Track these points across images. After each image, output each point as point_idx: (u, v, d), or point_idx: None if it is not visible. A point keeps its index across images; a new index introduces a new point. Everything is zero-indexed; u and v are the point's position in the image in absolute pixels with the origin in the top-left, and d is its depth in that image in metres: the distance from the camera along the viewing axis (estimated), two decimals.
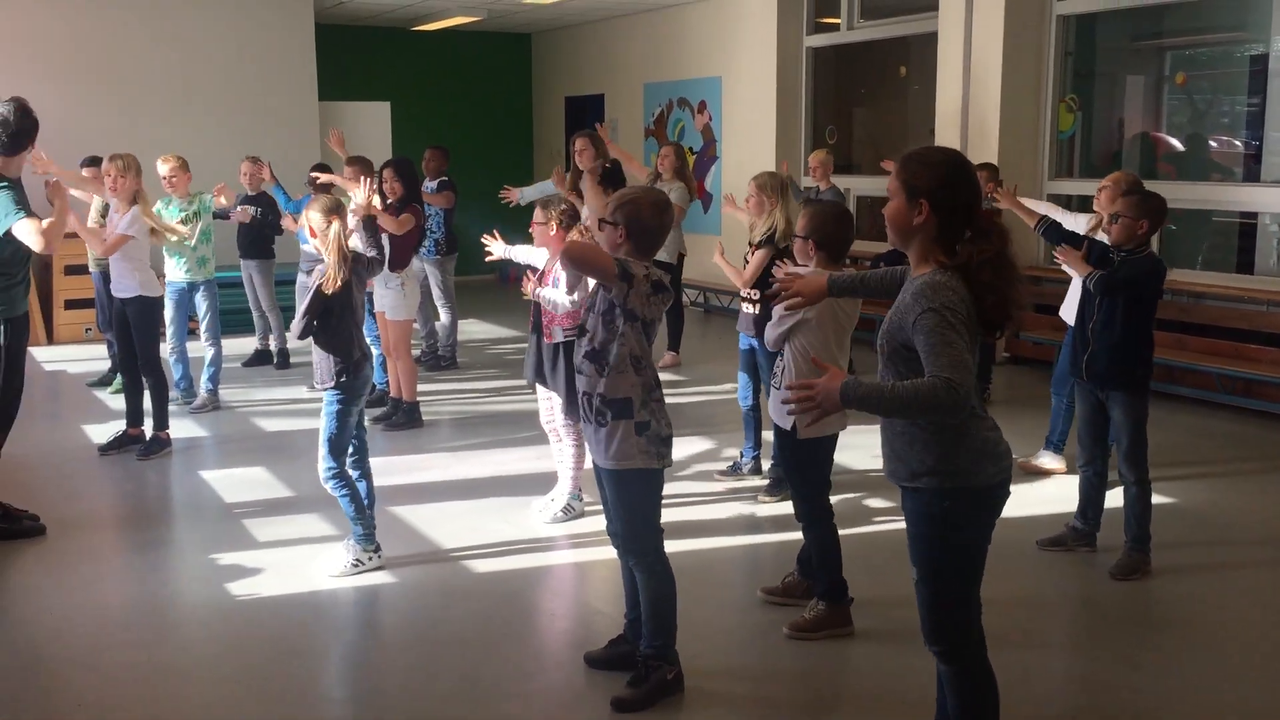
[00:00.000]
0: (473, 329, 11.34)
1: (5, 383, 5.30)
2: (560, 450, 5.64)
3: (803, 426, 2.81)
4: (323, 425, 4.75)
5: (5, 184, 5.16)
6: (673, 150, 8.99)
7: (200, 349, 7.91)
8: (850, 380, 2.74)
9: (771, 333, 4.36)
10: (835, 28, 11.63)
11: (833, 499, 4.39)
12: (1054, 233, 5.36)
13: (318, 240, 4.77)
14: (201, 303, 7.76)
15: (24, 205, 5.16)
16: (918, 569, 2.93)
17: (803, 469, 4.34)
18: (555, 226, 5.31)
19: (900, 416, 2.80)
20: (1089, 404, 4.98)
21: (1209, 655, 4.21)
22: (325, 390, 4.74)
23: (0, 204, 5.09)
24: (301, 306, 4.73)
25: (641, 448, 3.64)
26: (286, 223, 8.74)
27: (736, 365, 6.19)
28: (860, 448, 6.29)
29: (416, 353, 8.54)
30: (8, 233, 5.12)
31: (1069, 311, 5.82)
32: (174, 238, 7.23)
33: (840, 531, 4.38)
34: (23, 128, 5.22)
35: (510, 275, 15.00)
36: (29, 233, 5.10)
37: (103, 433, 7.05)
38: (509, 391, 8.50)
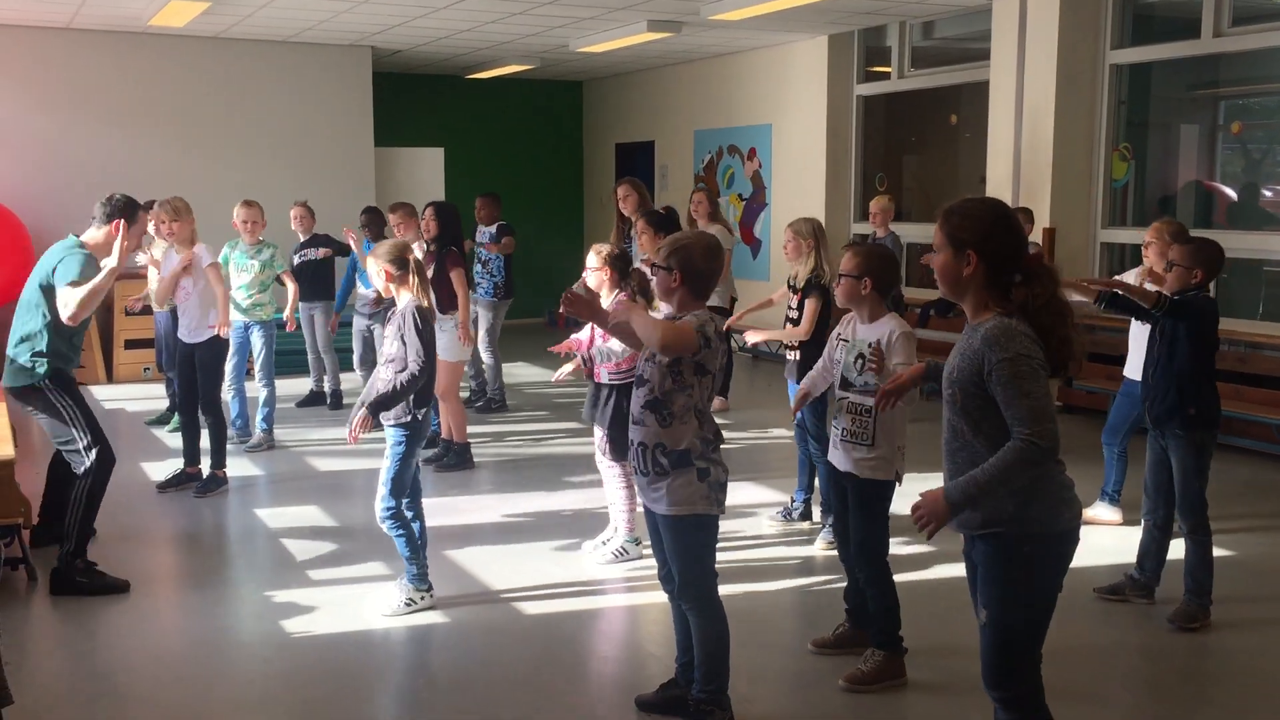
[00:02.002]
0: (522, 372, 11.42)
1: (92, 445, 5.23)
2: (612, 491, 5.69)
3: (926, 540, 2.98)
4: (387, 464, 4.79)
5: (85, 252, 5.23)
6: (704, 196, 8.90)
7: (254, 389, 8.03)
8: (949, 486, 2.85)
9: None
10: (886, 76, 11.69)
11: None
12: (1114, 303, 5.18)
13: (395, 283, 4.80)
14: (257, 342, 7.92)
15: (87, 278, 5.15)
16: (988, 613, 2.91)
17: (872, 517, 4.28)
18: (609, 270, 5.43)
19: (1008, 486, 2.81)
20: (1155, 454, 4.94)
21: (1268, 711, 4.13)
22: (392, 428, 4.78)
23: (66, 265, 5.14)
24: (415, 345, 4.70)
25: (702, 493, 3.65)
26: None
27: (785, 410, 6.19)
28: (902, 495, 6.25)
29: (464, 395, 8.61)
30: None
31: (1133, 368, 5.77)
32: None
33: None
34: (125, 204, 5.36)
35: (560, 320, 15.12)
36: (69, 301, 5.07)
37: (161, 470, 7.17)
38: (558, 434, 8.54)
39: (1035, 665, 2.94)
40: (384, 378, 4.81)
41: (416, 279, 4.82)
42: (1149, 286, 5.66)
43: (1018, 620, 2.89)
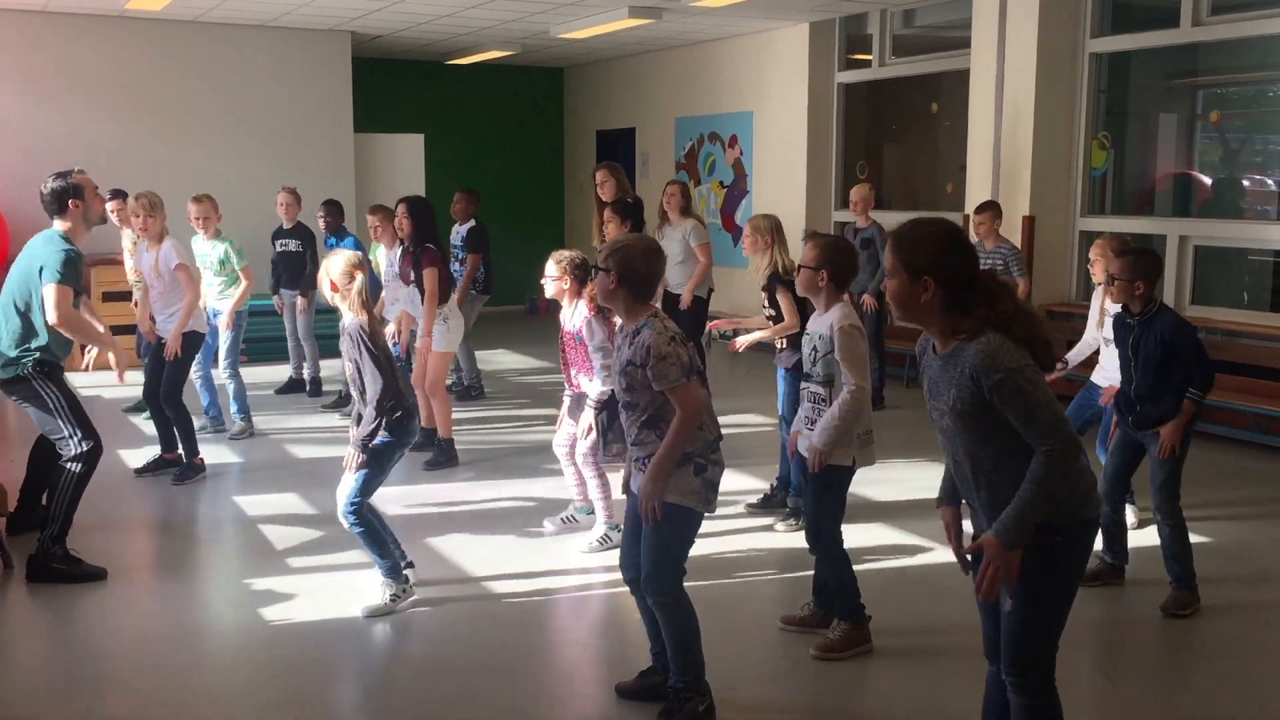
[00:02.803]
0: (501, 359, 11.40)
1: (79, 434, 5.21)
2: (571, 475, 5.79)
3: (1007, 603, 2.90)
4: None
5: (69, 248, 5.16)
6: (678, 189, 8.25)
7: (220, 378, 7.95)
8: (998, 528, 2.80)
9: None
10: (867, 64, 11.70)
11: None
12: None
13: (339, 295, 4.70)
14: (226, 331, 7.83)
15: (72, 275, 5.13)
16: (1015, 603, 2.90)
17: (823, 498, 4.37)
18: (569, 280, 5.46)
19: (1051, 504, 2.80)
20: (1125, 439, 5.00)
21: (1243, 694, 4.17)
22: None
23: (50, 263, 5.08)
24: (370, 369, 4.60)
25: (694, 488, 3.66)
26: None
27: (765, 398, 6.20)
28: (884, 481, 6.28)
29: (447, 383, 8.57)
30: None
31: (1101, 376, 5.79)
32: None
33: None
34: (63, 188, 5.26)
35: (540, 306, 15.10)
36: (54, 298, 5.05)
37: (138, 458, 7.14)
38: (537, 421, 8.53)
39: (1053, 651, 2.95)
40: (357, 399, 4.76)
41: (358, 299, 4.68)
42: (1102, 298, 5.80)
43: (1045, 610, 2.90)
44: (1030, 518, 2.79)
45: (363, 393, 4.68)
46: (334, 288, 4.73)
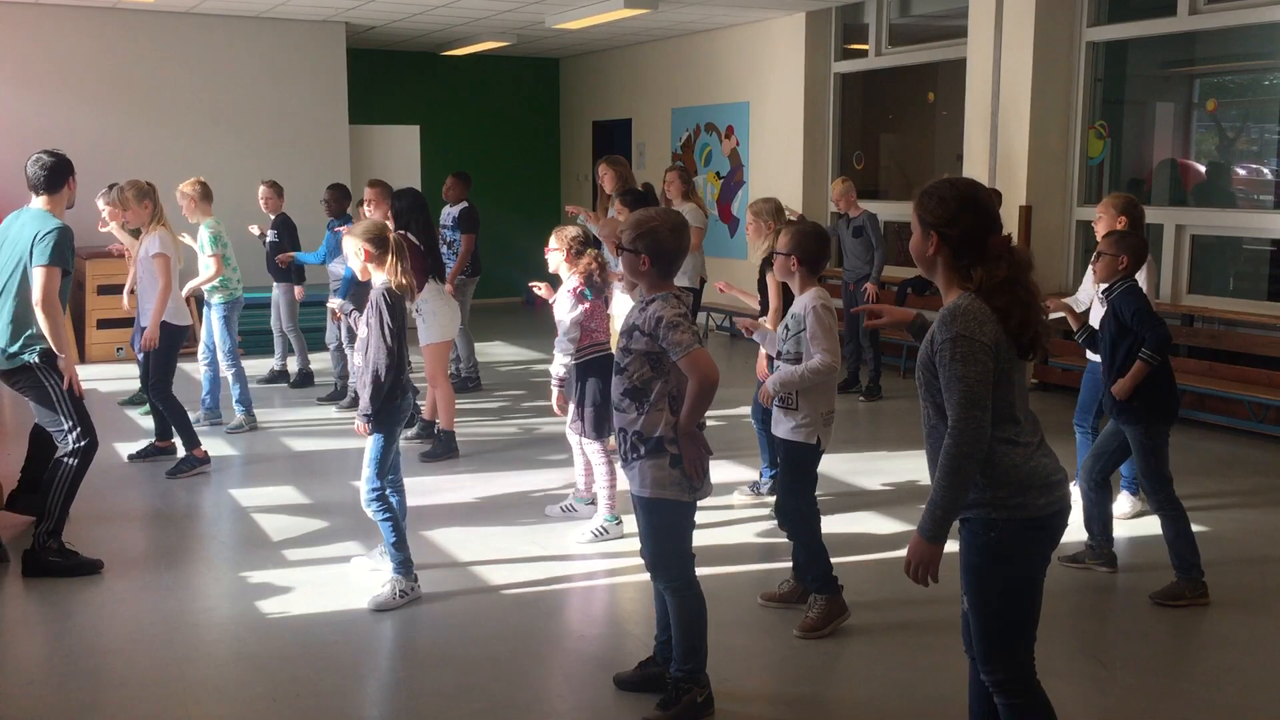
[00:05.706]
0: (497, 351, 11.39)
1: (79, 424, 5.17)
2: (579, 460, 5.85)
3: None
4: (369, 446, 4.73)
5: (60, 225, 5.09)
6: (677, 174, 8.58)
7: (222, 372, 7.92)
8: (920, 523, 2.85)
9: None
10: (863, 54, 11.67)
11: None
12: (1090, 341, 5.26)
13: (373, 263, 4.69)
14: (216, 324, 7.73)
15: (65, 257, 5.06)
16: (967, 598, 2.91)
17: (790, 474, 4.51)
18: (567, 254, 5.64)
19: (960, 489, 2.79)
20: (1113, 427, 5.03)
21: (1238, 684, 4.17)
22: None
23: (42, 246, 5.02)
24: (378, 337, 4.58)
25: (674, 479, 3.65)
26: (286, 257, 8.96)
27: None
28: (878, 471, 6.28)
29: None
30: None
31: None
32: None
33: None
34: (64, 164, 5.26)
35: (537, 301, 15.08)
36: (41, 280, 4.98)
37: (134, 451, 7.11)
38: (534, 413, 8.52)
39: (1024, 648, 2.91)
40: (357, 364, 4.77)
41: (394, 259, 4.70)
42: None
43: (995, 606, 2.87)
44: (940, 509, 2.79)
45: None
46: (368, 255, 4.69)
